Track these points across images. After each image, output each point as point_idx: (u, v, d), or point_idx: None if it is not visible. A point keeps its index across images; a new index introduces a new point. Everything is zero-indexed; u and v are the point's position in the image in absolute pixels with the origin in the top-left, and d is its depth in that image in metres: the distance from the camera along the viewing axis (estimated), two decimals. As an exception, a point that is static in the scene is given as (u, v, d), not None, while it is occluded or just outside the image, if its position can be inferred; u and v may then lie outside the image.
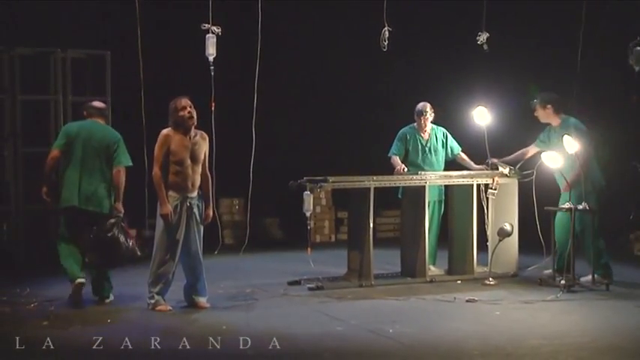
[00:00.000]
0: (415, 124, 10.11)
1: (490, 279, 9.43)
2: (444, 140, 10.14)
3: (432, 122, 10.08)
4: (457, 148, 10.19)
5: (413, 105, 10.22)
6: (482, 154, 10.05)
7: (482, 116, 9.94)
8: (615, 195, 10.72)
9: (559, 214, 9.29)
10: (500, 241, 9.53)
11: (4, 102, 10.82)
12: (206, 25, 8.76)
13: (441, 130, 10.17)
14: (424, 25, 12.87)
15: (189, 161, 8.12)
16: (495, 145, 10.16)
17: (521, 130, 10.68)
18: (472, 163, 10.13)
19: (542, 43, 12.19)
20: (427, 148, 10.07)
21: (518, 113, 11.31)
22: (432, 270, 9.76)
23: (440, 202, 10.07)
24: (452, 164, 10.25)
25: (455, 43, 12.24)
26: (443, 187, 10.04)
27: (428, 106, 10.03)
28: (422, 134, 10.07)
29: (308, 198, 9.06)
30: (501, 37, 10.30)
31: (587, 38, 10.34)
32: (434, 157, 10.07)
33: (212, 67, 8.83)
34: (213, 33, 8.76)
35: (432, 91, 11.69)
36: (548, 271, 9.40)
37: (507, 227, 9.50)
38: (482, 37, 9.92)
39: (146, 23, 9.14)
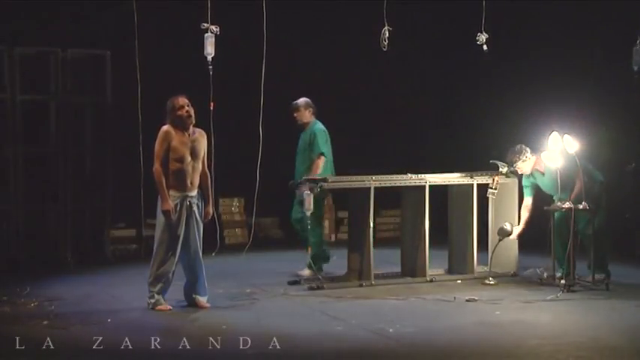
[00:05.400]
0: None
1: (490, 278, 9.42)
2: (311, 140, 9.72)
3: (317, 119, 9.75)
4: (316, 152, 9.66)
5: (413, 105, 10.17)
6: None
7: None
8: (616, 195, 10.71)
9: (558, 216, 9.24)
10: (500, 240, 9.53)
11: (4, 102, 10.82)
12: (205, 24, 8.75)
13: (312, 129, 9.77)
14: (424, 25, 12.87)
15: (189, 158, 8.11)
16: (494, 143, 10.16)
17: (518, 126, 10.67)
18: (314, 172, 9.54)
19: (541, 43, 12.19)
20: (299, 147, 9.86)
21: (518, 113, 11.32)
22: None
23: None
24: (454, 165, 10.16)
25: (455, 43, 12.23)
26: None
27: (299, 102, 9.79)
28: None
29: (308, 198, 9.06)
30: (501, 37, 10.30)
31: (594, 39, 10.34)
32: (300, 156, 9.82)
33: (211, 67, 8.83)
34: (212, 32, 8.76)
35: (433, 90, 11.73)
36: (542, 269, 9.41)
37: (507, 227, 9.51)
38: (482, 38, 9.91)
39: (146, 23, 9.12)
